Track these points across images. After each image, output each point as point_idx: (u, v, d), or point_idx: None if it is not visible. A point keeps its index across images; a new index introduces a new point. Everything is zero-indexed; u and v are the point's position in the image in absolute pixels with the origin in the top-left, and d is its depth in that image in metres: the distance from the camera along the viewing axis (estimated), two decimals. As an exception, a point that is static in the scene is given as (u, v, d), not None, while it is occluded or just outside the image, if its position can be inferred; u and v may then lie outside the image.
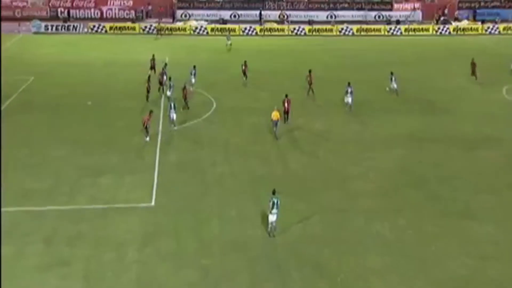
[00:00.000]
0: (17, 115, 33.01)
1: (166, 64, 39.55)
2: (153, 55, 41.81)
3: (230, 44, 52.46)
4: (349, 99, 34.10)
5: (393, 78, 37.77)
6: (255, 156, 27.73)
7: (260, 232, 20.72)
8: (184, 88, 34.20)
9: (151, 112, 30.19)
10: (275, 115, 30.03)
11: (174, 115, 31.12)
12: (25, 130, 30.80)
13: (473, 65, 41.19)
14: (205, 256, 19.23)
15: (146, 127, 29.42)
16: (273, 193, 20.55)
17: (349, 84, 34.50)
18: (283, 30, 63.01)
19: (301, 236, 20.59)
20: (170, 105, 31.46)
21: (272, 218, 20.26)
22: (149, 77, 36.54)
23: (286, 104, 32.06)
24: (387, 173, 25.99)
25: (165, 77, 37.59)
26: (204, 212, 22.13)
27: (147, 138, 29.32)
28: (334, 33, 62.60)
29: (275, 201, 20.20)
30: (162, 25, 61.69)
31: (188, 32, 61.74)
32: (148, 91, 35.31)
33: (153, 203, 22.73)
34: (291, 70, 44.74)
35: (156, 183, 24.41)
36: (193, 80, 38.49)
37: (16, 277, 17.98)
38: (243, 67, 40.75)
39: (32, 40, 57.12)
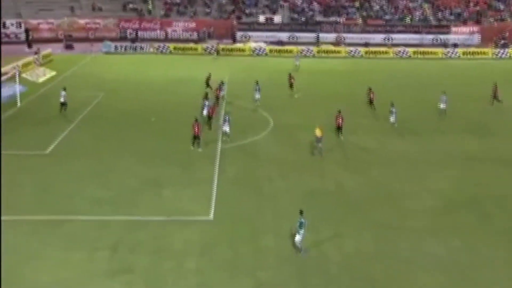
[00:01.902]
0: (89, 127, 34.41)
1: (222, 82, 40.30)
2: (209, 74, 42.72)
3: (299, 65, 52.62)
4: (392, 118, 34.23)
5: (444, 99, 37.13)
6: (309, 172, 27.68)
7: (314, 246, 20.59)
8: (212, 107, 34.63)
9: (196, 119, 30.89)
10: (318, 131, 30.05)
11: (227, 128, 31.72)
12: (95, 140, 31.93)
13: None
14: (260, 268, 19.24)
15: (196, 137, 30.09)
16: (301, 213, 20.34)
17: (392, 104, 34.59)
18: (339, 51, 62.85)
19: (353, 252, 20.30)
20: (224, 119, 32.17)
21: (297, 238, 20.02)
22: (206, 94, 37.40)
23: (339, 120, 32.01)
24: (440, 193, 25.35)
25: (222, 92, 38.72)
26: (260, 225, 22.17)
27: (199, 149, 30.06)
28: (390, 55, 61.91)
29: (303, 222, 19.96)
30: (219, 45, 62.76)
31: (247, 52, 62.51)
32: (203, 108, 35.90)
33: (211, 216, 22.95)
34: (346, 90, 44.59)
35: (214, 196, 24.69)
36: (257, 96, 39.23)
37: (86, 282, 18.53)
38: (290, 80, 42.48)
39: (103, 59, 59.22)
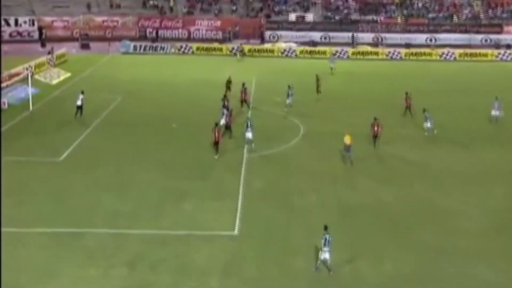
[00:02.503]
0: (105, 133, 34.99)
1: (244, 85, 40.63)
2: (229, 77, 43.02)
3: (334, 68, 52.68)
4: (427, 125, 34.02)
5: (496, 105, 36.48)
6: (344, 185, 27.61)
7: (348, 267, 20.49)
8: (231, 113, 34.82)
9: (216, 125, 31.20)
10: (347, 139, 30.00)
11: (250, 134, 32.08)
12: (112, 148, 32.42)
13: None
14: (289, 290, 19.23)
15: (216, 143, 30.45)
16: (325, 228, 20.29)
17: (424, 110, 34.42)
18: (377, 53, 62.64)
19: (392, 274, 20.10)
20: (247, 124, 32.46)
21: (325, 255, 19.86)
22: (224, 101, 37.80)
23: (376, 128, 31.93)
24: (490, 211, 24.95)
25: (246, 95, 39.43)
26: (289, 243, 22.13)
27: (216, 156, 30.47)
28: (434, 58, 61.41)
29: (327, 238, 19.87)
30: (244, 45, 63.11)
31: (276, 54, 62.77)
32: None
33: (236, 231, 23.03)
34: (384, 95, 44.44)
35: (239, 210, 24.77)
36: (288, 101, 39.58)
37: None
38: (317, 82, 43.12)
39: (121, 60, 60.21)
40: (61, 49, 58.63)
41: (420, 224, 23.75)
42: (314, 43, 65.99)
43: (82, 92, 38.27)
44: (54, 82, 49.22)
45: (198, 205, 25.33)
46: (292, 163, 30.48)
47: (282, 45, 65.23)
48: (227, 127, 33.97)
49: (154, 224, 23.57)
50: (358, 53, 62.43)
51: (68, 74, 51.63)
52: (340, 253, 20.98)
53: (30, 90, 39.82)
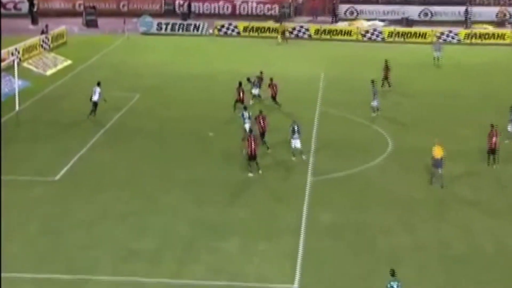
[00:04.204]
0: (116, 143, 35.78)
1: (272, 79, 41.61)
2: (261, 72, 43.32)
3: (440, 58, 52.66)
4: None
5: None
6: (451, 222, 27.51)
7: None
8: (259, 116, 35.00)
9: (250, 132, 31.83)
10: (438, 151, 30.09)
11: (298, 142, 32.84)
12: (124, 163, 33.13)
13: None
14: None
15: (252, 156, 31.03)
16: (392, 274, 20.63)
17: None
18: (502, 36, 61.85)
19: None
20: (293, 129, 33.19)
21: None
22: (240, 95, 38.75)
23: (494, 139, 31.99)
24: None
25: (274, 90, 40.75)
26: (371, 302, 22.26)
27: (251, 174, 31.26)
28: None
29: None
30: (285, 25, 63.52)
31: (354, 37, 62.91)
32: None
33: (296, 284, 23.10)
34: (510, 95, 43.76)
35: (301, 254, 24.85)
36: (375, 103, 39.99)
37: None
38: (386, 71, 44.11)
39: (140, 43, 61.26)
40: (58, 28, 60.00)
41: None
42: (409, 22, 65.72)
43: (99, 84, 39.26)
44: (49, 72, 50.43)
45: (242, 245, 25.53)
46: (374, 190, 30.51)
47: (363, 24, 65.22)
48: (261, 135, 34.45)
49: (182, 271, 23.84)
50: (474, 36, 61.82)
51: (68, 62, 52.90)
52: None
53: (17, 84, 40.78)
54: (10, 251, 24.48)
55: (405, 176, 32.13)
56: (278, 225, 27.15)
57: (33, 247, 25.23)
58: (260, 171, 31.60)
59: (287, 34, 61.79)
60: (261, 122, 34.58)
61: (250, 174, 31.52)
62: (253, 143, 31.38)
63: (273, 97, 41.44)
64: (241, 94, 40.27)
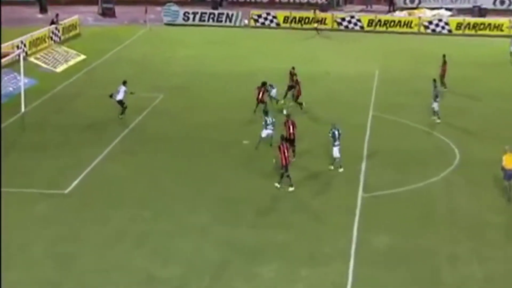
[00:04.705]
0: (135, 152, 35.66)
1: (296, 74, 41.68)
2: (292, 68, 42.96)
3: None
4: None
5: None
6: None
7: None
8: (288, 121, 34.83)
9: (283, 139, 31.60)
10: (508, 160, 30.05)
11: (337, 151, 33.04)
12: (146, 178, 32.87)
13: None
14: None
15: (285, 166, 30.91)
16: None
17: None
18: None
19: None
20: (333, 134, 33.15)
21: None
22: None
23: None
24: None
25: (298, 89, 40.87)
26: None
27: (277, 185, 31.08)
28: None
29: None
30: (318, 14, 63.22)
31: (415, 29, 62.66)
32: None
33: (345, 318, 22.91)
34: None
35: (350, 283, 24.66)
36: (434, 106, 39.70)
37: None
38: (443, 68, 43.97)
39: (164, 35, 61.47)
40: (71, 17, 60.48)
41: None
42: (481, 11, 65.15)
43: (124, 83, 39.57)
44: (60, 68, 50.76)
45: (282, 271, 25.34)
46: (438, 209, 30.12)
47: (425, 14, 64.83)
48: (290, 141, 34.23)
49: (212, 302, 23.80)
50: None
51: (81, 57, 53.25)
52: None
53: (23, 81, 41.03)
54: (10, 278, 24.33)
55: (475, 193, 31.69)
56: (324, 249, 26.87)
57: (37, 273, 25.07)
58: (291, 188, 31.33)
59: (317, 25, 61.58)
60: (291, 128, 34.45)
61: (277, 185, 31.34)
62: (286, 152, 31.21)
63: (297, 97, 41.41)
64: (261, 94, 40.50)
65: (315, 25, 61.85)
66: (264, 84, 41.02)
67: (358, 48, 56.84)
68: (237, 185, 32.21)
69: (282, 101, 42.04)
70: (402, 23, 63.01)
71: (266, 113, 36.59)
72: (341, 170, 33.25)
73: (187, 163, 34.60)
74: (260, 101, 40.45)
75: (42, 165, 33.84)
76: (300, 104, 41.34)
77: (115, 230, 27.94)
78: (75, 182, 32.03)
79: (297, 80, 41.77)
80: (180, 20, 65.07)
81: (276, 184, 31.44)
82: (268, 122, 35.76)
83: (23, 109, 39.51)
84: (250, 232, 28.00)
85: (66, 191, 31.24)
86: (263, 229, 28.34)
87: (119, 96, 38.97)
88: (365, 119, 40.20)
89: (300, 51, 55.39)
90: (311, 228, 28.50)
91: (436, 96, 39.52)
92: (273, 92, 41.80)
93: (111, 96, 39.21)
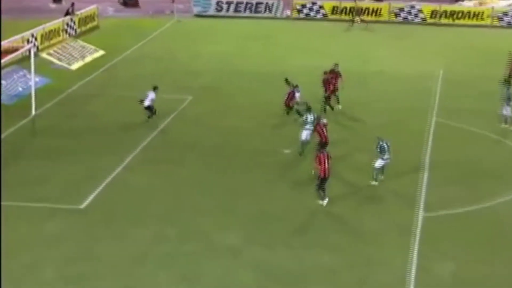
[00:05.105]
0: (159, 165, 35.77)
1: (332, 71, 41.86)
2: (335, 65, 43.03)
3: None
4: None
5: None
6: None
7: None
8: (319, 124, 35.19)
9: (322, 146, 31.95)
10: None
11: (382, 163, 32.99)
12: (171, 192, 33.03)
13: None
14: None
15: (324, 179, 31.02)
16: None
17: None
18: None
19: None
20: (380, 147, 32.94)
21: None
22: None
23: None
24: None
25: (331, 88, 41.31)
26: None
27: (321, 202, 31.36)
28: None
29: None
30: (360, 3, 63.41)
31: (486, 21, 62.76)
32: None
33: None
34: None
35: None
36: (505, 111, 39.78)
37: None
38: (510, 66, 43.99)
39: (193, 28, 62.07)
40: (88, 7, 61.12)
41: None
42: None
43: (155, 89, 40.14)
44: (75, 66, 51.34)
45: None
46: (511, 232, 29.96)
47: (499, 4, 64.58)
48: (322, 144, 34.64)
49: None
50: None
51: (100, 53, 53.92)
52: None
53: (33, 80, 41.40)
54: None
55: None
56: (377, 276, 26.81)
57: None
58: (325, 201, 31.44)
59: (357, 18, 61.85)
60: (324, 131, 34.89)
61: (321, 202, 31.45)
62: (326, 162, 31.25)
63: (328, 97, 41.80)
64: (288, 98, 41.28)
65: (357, 18, 61.90)
66: (295, 86, 41.49)
67: (418, 43, 56.96)
68: (272, 199, 32.26)
69: (340, 106, 42.31)
70: (471, 15, 62.99)
71: (309, 109, 36.92)
72: (381, 177, 33.34)
73: (217, 174, 34.78)
74: (287, 105, 41.05)
75: (54, 176, 34.10)
76: (330, 105, 41.85)
77: (136, 250, 28.02)
78: (92, 196, 32.24)
79: (336, 76, 42.14)
80: (212, 11, 65.45)
81: (320, 202, 31.51)
82: (308, 119, 36.05)
83: (33, 112, 39.88)
84: (289, 254, 27.99)
85: (82, 206, 31.41)
86: (303, 250, 28.26)
87: (147, 102, 39.46)
88: (426, 125, 40.19)
89: (350, 47, 55.69)
90: (360, 250, 28.41)
91: (509, 99, 39.44)
92: (297, 96, 41.88)
93: (141, 101, 39.67)
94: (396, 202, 32.16)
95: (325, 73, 42.46)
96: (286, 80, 42.57)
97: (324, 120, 35.84)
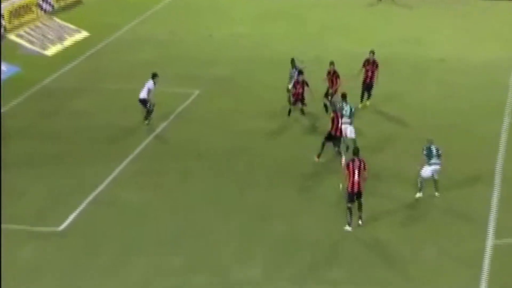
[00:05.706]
0: (157, 177, 35.84)
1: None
2: (372, 53, 42.84)
3: None
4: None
5: None
6: None
7: None
8: (334, 116, 35.75)
9: (355, 153, 31.73)
10: None
11: (429, 171, 33.03)
12: (172, 210, 33.14)
13: None
14: None
15: (353, 194, 31.13)
16: None
17: None
18: None
19: None
20: (428, 152, 33.19)
21: None
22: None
23: None
24: None
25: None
26: None
27: (348, 228, 31.30)
28: None
29: None
30: None
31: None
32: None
33: None
34: None
35: None
36: None
37: None
38: None
39: (201, 3, 62.24)
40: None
41: None
42: None
43: (154, 77, 40.24)
44: (52, 51, 51.48)
45: None
46: None
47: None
48: (334, 137, 35.45)
49: None
50: None
51: (83, 34, 54.19)
52: None
53: (1, 69, 41.63)
54: None
55: None
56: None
57: None
58: (360, 222, 31.50)
59: None
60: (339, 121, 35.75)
61: (347, 228, 31.40)
62: (356, 174, 31.20)
63: (330, 95, 41.89)
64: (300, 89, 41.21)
65: None
66: (299, 71, 41.67)
67: (487, 22, 57.10)
68: (302, 222, 32.27)
69: (368, 102, 42.56)
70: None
71: (344, 96, 37.43)
72: (437, 194, 33.31)
73: (231, 189, 34.86)
74: (298, 99, 41.17)
75: (28, 191, 34.23)
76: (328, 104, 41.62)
77: (133, 285, 28.13)
78: (72, 216, 32.27)
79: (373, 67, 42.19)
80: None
81: (345, 227, 31.43)
82: (345, 111, 36.41)
83: (1, 109, 40.09)
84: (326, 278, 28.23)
85: (60, 228, 31.48)
86: (343, 286, 28.37)
87: (142, 94, 39.48)
88: (498, 127, 40.23)
89: (399, 27, 55.99)
90: (412, 279, 28.49)
91: None
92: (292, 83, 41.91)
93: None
94: (458, 226, 32.03)
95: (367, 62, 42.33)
96: (292, 61, 42.69)
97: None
